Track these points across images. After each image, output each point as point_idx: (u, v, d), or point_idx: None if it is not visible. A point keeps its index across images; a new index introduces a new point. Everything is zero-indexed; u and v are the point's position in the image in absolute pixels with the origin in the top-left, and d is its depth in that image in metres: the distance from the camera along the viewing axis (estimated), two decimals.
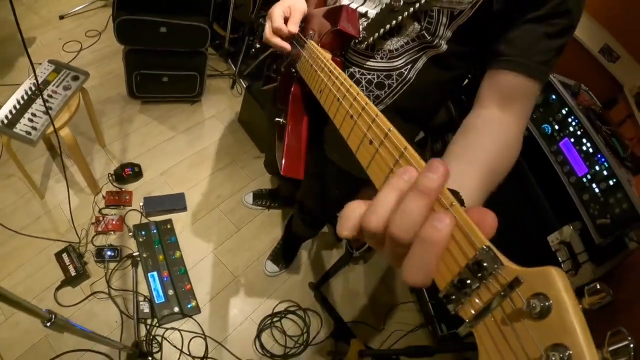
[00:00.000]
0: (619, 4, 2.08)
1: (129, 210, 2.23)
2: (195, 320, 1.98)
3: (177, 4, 2.23)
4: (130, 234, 2.14)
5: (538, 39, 0.75)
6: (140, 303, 1.95)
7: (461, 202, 0.42)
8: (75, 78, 1.96)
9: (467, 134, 0.75)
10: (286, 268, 2.26)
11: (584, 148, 1.70)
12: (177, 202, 2.29)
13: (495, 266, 0.32)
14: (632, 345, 0.27)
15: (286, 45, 1.02)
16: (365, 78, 0.97)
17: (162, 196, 2.29)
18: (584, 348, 0.26)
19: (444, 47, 0.85)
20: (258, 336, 2.03)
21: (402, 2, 0.82)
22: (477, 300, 0.34)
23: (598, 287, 0.29)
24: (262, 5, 2.61)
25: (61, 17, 3.01)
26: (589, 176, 1.68)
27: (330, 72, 0.67)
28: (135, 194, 2.28)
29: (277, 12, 1.01)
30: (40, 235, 2.05)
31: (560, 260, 1.69)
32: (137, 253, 2.08)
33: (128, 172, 2.30)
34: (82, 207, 2.18)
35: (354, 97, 0.55)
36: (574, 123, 1.74)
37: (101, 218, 2.14)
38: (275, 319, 2.10)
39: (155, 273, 2.04)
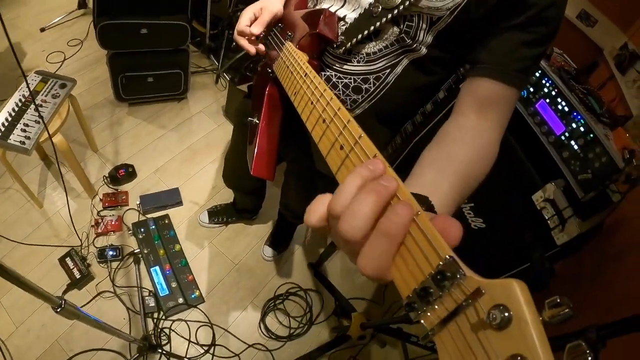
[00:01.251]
0: None
1: (127, 210, 2.29)
2: (200, 310, 2.04)
3: (156, 5, 2.27)
4: (130, 232, 2.20)
5: (516, 46, 0.76)
6: (146, 298, 2.01)
7: (431, 208, 0.45)
8: (62, 86, 2.00)
9: (443, 140, 0.75)
10: (284, 251, 2.32)
11: (560, 107, 1.74)
12: (172, 197, 2.34)
13: (458, 276, 0.33)
14: (590, 358, 0.28)
15: (250, 48, 1.03)
16: (342, 82, 0.97)
17: (158, 193, 2.35)
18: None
19: (424, 50, 0.86)
20: (262, 320, 2.09)
21: (380, 7, 0.82)
22: (439, 310, 0.34)
23: (558, 300, 0.29)
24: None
25: (42, 30, 3.04)
26: (566, 134, 1.71)
27: (305, 75, 0.68)
28: (131, 193, 2.34)
29: (246, 14, 1.03)
30: (42, 243, 2.09)
31: (546, 218, 1.74)
32: (138, 250, 2.13)
33: (122, 173, 2.35)
34: (80, 212, 2.23)
35: (327, 101, 0.55)
36: (547, 84, 1.78)
37: (100, 220, 2.20)
38: (278, 302, 2.16)
39: (157, 267, 2.09)
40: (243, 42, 1.03)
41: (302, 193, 1.55)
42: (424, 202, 0.43)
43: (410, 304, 0.35)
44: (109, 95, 2.65)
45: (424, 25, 0.82)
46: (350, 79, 0.96)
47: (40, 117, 1.65)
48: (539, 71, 1.79)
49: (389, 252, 0.36)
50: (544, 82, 1.79)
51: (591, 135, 1.66)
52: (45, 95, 1.94)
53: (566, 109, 1.73)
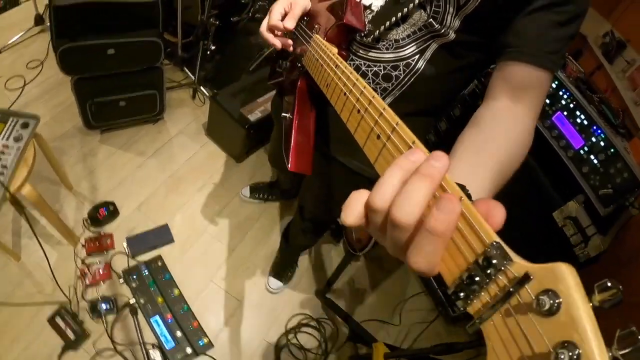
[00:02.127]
0: None
1: (114, 254, 2.09)
2: (211, 357, 1.91)
3: (122, 21, 2.04)
4: (121, 280, 2.02)
5: (546, 28, 0.74)
6: (150, 352, 1.85)
7: (468, 197, 0.42)
8: (24, 125, 1.75)
9: (478, 126, 0.73)
10: (289, 280, 2.20)
11: (578, 120, 1.68)
12: (162, 236, 2.16)
13: (505, 262, 0.32)
14: None
15: (277, 43, 1.03)
16: (371, 70, 0.96)
17: (146, 232, 2.16)
18: (593, 346, 0.26)
19: (452, 35, 0.84)
20: (277, 357, 1.99)
21: None
22: (485, 297, 0.33)
23: (608, 284, 0.28)
24: (212, 5, 2.41)
25: None
26: (586, 148, 1.67)
27: (336, 66, 0.67)
28: (116, 235, 2.14)
29: (276, 9, 1.02)
30: (27, 301, 1.90)
31: (568, 235, 1.70)
32: (134, 300, 1.96)
33: (103, 213, 2.14)
34: (63, 261, 2.03)
35: (360, 91, 0.54)
36: (565, 96, 1.71)
37: (86, 270, 2.01)
38: (290, 336, 2.05)
39: (157, 317, 1.94)
40: (269, 36, 1.04)
41: (318, 184, 1.47)
42: (462, 190, 0.40)
43: (457, 292, 0.35)
44: (77, 122, 2.38)
45: (451, 10, 0.81)
46: (380, 66, 0.95)
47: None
48: (556, 82, 1.71)
49: (441, 246, 0.36)
50: (561, 93, 1.71)
51: (612, 150, 1.62)
52: (7, 139, 1.69)
53: (585, 122, 1.67)
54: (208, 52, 2.55)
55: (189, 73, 2.75)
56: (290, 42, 1.05)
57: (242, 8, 2.71)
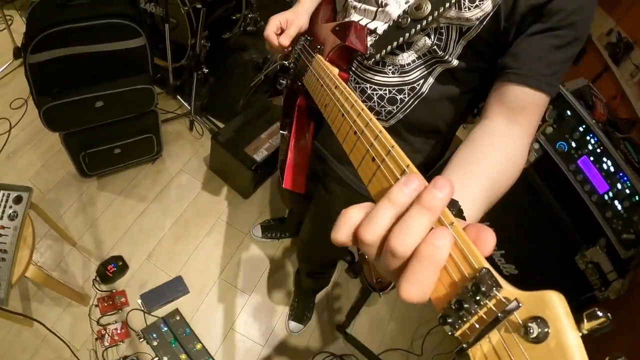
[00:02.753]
0: None
1: (130, 311, 2.04)
2: None
3: (107, 70, 1.90)
4: (141, 340, 1.99)
5: (544, 51, 0.75)
6: None
7: (460, 212, 0.43)
8: (17, 200, 1.63)
9: (472, 145, 0.74)
10: (309, 321, 2.18)
11: (605, 167, 1.65)
12: (177, 289, 2.11)
13: (494, 288, 0.32)
14: None
15: (284, 41, 1.07)
16: (377, 94, 0.97)
17: (160, 286, 2.10)
18: None
19: (455, 62, 0.86)
20: None
21: (409, 19, 0.82)
22: (474, 323, 0.33)
23: (598, 313, 0.28)
24: (205, 26, 2.24)
25: None
26: (610, 194, 1.67)
27: (335, 87, 0.67)
28: (128, 290, 2.08)
29: (273, 22, 1.08)
30: None
31: (590, 278, 1.71)
32: (157, 358, 1.95)
33: (112, 270, 2.07)
34: (78, 323, 1.98)
35: (358, 113, 0.54)
36: (592, 141, 1.67)
37: (103, 331, 1.97)
38: None
39: None
40: (274, 37, 1.08)
41: (316, 209, 1.48)
42: (454, 206, 0.41)
43: (445, 317, 0.35)
44: (71, 168, 2.26)
45: (454, 36, 0.83)
46: (385, 90, 0.96)
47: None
48: (583, 126, 1.66)
49: (434, 278, 0.35)
50: (588, 138, 1.66)
51: (637, 198, 1.60)
52: (0, 218, 1.61)
53: (612, 169, 1.65)
54: (201, 77, 2.40)
55: (183, 102, 2.60)
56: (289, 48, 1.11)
57: (233, 23, 2.54)
